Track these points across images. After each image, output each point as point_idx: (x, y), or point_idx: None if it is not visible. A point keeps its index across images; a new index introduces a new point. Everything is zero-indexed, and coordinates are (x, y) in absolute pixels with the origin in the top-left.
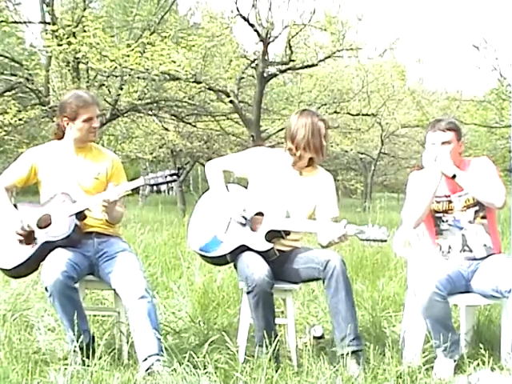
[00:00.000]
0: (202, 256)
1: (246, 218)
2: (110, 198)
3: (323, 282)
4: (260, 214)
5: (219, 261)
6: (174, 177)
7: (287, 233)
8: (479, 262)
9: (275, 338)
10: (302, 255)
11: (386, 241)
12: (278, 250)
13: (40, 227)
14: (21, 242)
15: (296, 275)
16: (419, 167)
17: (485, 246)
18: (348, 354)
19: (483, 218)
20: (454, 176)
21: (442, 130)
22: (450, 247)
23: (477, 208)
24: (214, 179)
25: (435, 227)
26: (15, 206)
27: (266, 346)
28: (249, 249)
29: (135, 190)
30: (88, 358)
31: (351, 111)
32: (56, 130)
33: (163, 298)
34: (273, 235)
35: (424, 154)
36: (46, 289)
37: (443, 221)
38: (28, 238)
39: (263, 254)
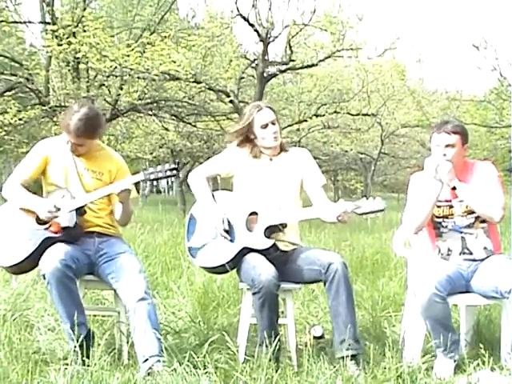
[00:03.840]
0: (202, 267)
1: (227, 231)
2: (110, 193)
3: (324, 284)
4: (254, 213)
5: (219, 270)
6: (174, 171)
7: (284, 225)
8: (479, 262)
9: (275, 338)
10: (304, 255)
11: (383, 210)
12: (280, 250)
13: (39, 223)
14: (46, 223)
15: (298, 276)
16: (419, 167)
17: (485, 248)
18: (348, 356)
19: (483, 221)
20: (454, 188)
21: (447, 132)
22: (449, 249)
23: (477, 214)
24: (199, 190)
25: (435, 230)
26: None
27: (267, 346)
28: (251, 250)
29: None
30: (88, 357)
31: (351, 111)
32: None
33: (163, 298)
34: (271, 231)
35: (426, 160)
36: (43, 276)
37: (443, 226)
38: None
39: (265, 252)
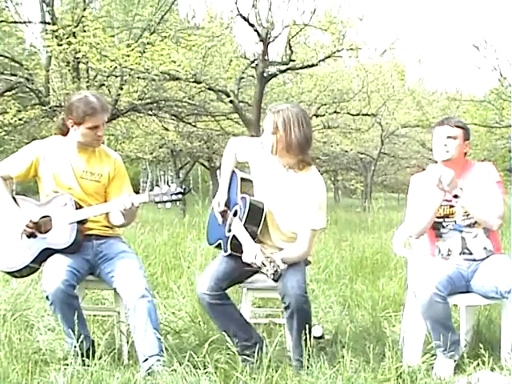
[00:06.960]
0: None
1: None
2: (112, 210)
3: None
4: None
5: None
6: (180, 195)
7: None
8: (479, 262)
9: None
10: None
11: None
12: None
13: (40, 231)
14: (27, 235)
15: None
16: (420, 167)
17: (485, 248)
18: None
19: None
20: (456, 196)
21: (450, 125)
22: (449, 250)
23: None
24: (224, 164)
25: (435, 230)
26: (14, 198)
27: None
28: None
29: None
30: (88, 358)
31: (351, 111)
32: (61, 126)
33: (163, 297)
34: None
35: (429, 168)
36: (47, 297)
37: (443, 226)
38: (31, 233)
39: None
